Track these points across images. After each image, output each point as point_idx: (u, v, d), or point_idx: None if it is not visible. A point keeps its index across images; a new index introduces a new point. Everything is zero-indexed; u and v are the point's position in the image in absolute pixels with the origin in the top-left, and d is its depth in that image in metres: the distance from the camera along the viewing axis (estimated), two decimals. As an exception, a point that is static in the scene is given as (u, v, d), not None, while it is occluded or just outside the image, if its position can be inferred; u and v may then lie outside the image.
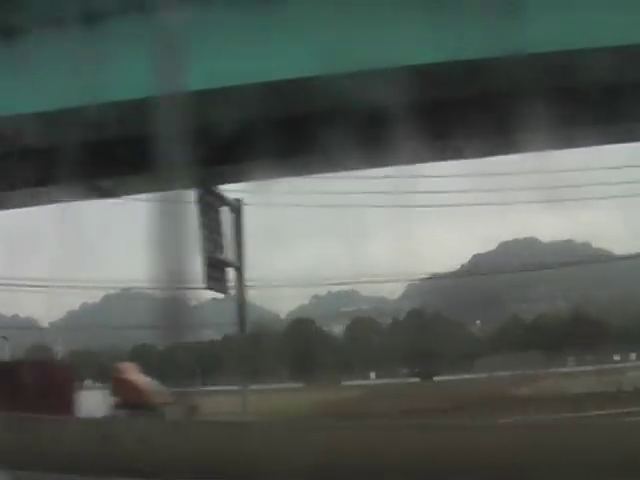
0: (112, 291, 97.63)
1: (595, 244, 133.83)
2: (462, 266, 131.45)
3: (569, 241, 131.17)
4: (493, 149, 16.85)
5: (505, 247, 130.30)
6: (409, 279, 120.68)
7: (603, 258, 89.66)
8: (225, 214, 27.73)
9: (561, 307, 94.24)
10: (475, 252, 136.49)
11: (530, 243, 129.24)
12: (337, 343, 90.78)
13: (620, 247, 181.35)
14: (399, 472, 5.93)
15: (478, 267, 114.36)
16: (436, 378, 74.64)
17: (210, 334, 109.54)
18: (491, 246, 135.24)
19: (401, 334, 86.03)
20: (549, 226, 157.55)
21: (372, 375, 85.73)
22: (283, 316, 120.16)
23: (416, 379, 76.13)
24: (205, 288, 26.33)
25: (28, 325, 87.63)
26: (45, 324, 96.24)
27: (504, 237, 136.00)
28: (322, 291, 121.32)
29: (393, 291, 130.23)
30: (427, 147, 14.29)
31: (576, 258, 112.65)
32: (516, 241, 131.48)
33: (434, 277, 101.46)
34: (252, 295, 31.48)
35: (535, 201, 47.09)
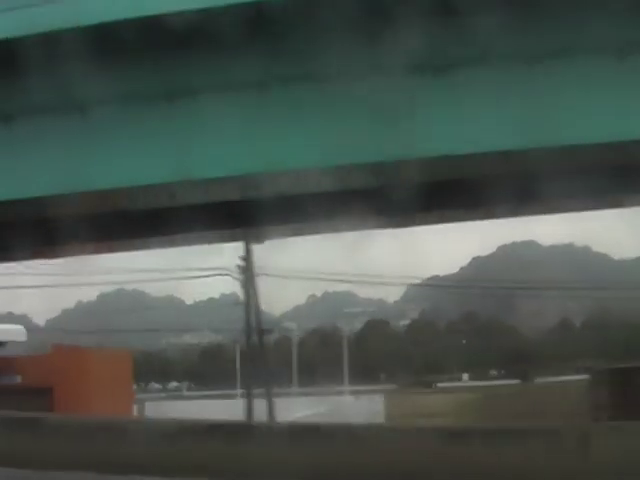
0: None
1: (595, 248, 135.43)
2: (462, 269, 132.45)
3: (569, 245, 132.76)
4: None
5: (504, 250, 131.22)
6: (410, 281, 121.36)
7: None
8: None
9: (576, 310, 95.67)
10: (475, 255, 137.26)
11: (530, 246, 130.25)
12: (403, 344, 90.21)
13: (619, 250, 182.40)
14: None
15: (479, 270, 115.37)
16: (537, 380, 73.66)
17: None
18: (491, 249, 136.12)
19: (465, 337, 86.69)
20: (548, 229, 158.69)
21: (465, 377, 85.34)
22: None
23: (516, 380, 75.30)
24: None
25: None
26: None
27: (504, 240, 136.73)
28: (318, 291, 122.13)
29: (391, 293, 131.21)
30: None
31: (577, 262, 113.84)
32: (515, 244, 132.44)
33: (435, 279, 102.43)
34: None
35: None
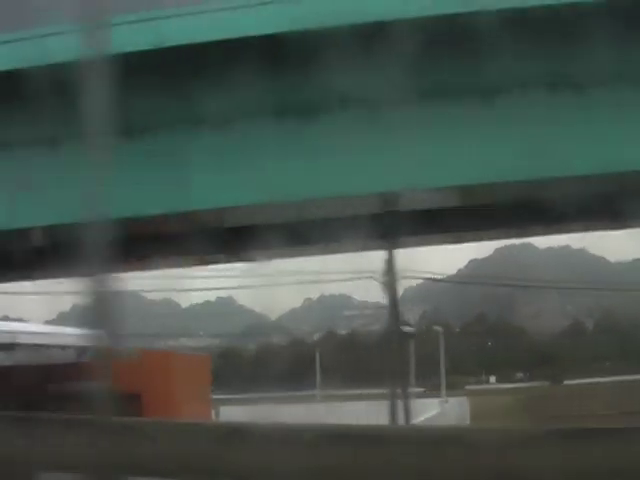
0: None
1: (591, 250, 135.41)
2: (459, 271, 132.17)
3: (566, 247, 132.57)
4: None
5: (501, 253, 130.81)
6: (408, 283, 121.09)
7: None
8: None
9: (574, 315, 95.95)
10: (472, 258, 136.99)
11: (527, 248, 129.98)
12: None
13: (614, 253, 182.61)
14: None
15: (476, 272, 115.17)
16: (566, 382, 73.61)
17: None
18: (488, 252, 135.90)
19: (480, 338, 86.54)
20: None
21: (492, 379, 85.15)
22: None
23: (545, 382, 75.15)
24: None
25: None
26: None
27: (500, 243, 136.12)
28: (314, 294, 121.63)
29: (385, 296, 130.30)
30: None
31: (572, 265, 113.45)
32: (512, 246, 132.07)
33: (431, 282, 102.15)
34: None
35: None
